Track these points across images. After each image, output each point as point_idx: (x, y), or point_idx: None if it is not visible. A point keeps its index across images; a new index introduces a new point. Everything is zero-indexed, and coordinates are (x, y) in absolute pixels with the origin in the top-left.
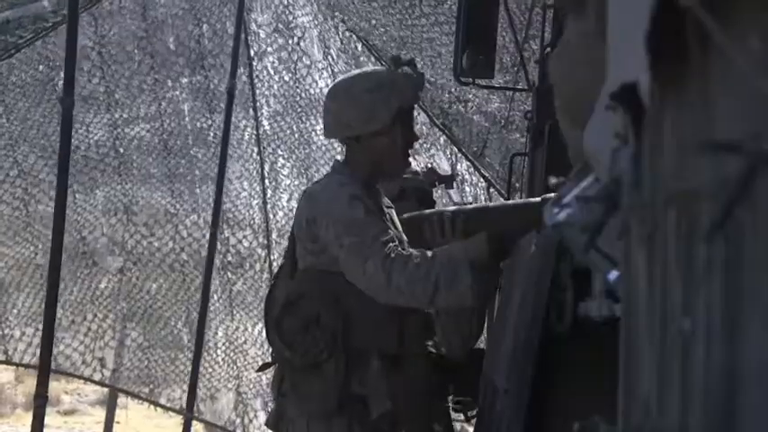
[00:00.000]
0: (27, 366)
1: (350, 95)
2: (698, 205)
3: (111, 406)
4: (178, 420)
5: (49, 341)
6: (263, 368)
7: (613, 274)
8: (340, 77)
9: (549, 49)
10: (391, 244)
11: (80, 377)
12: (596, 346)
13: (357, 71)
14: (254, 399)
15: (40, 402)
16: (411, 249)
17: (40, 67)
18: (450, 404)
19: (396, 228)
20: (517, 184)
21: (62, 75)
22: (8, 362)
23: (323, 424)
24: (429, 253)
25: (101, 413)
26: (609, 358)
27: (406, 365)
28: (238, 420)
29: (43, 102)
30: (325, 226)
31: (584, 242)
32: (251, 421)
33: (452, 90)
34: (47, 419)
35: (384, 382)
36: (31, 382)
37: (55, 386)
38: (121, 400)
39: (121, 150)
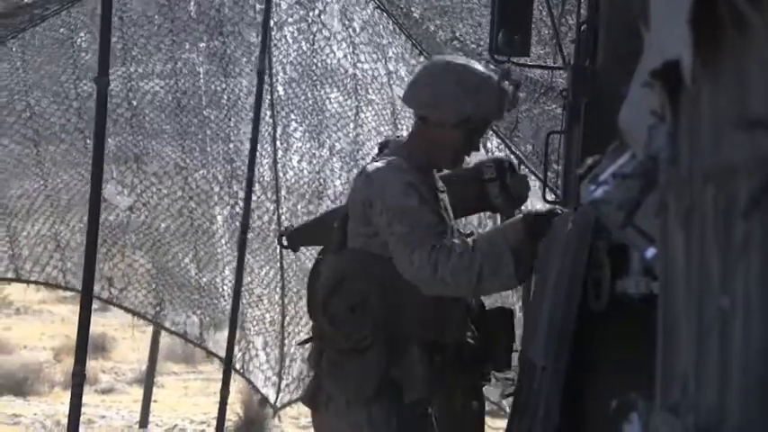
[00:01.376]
0: (36, 283)
1: (442, 77)
2: (735, 182)
3: (148, 385)
4: (214, 399)
5: (86, 320)
6: (304, 342)
7: (650, 252)
8: (446, 57)
9: (584, 26)
10: (441, 234)
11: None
12: (633, 324)
13: (464, 59)
14: (256, 336)
15: (77, 381)
16: (455, 240)
17: (62, 30)
18: (487, 383)
19: (448, 214)
20: (555, 165)
21: (81, 35)
22: (18, 279)
23: (363, 408)
24: (471, 241)
25: (138, 392)
26: (646, 336)
27: (445, 353)
28: (239, 354)
29: (61, 56)
30: (379, 211)
31: (621, 219)
32: (251, 359)
33: (489, 63)
34: (84, 398)
35: (421, 368)
36: (68, 361)
37: (93, 365)
38: (158, 379)
39: (134, 103)
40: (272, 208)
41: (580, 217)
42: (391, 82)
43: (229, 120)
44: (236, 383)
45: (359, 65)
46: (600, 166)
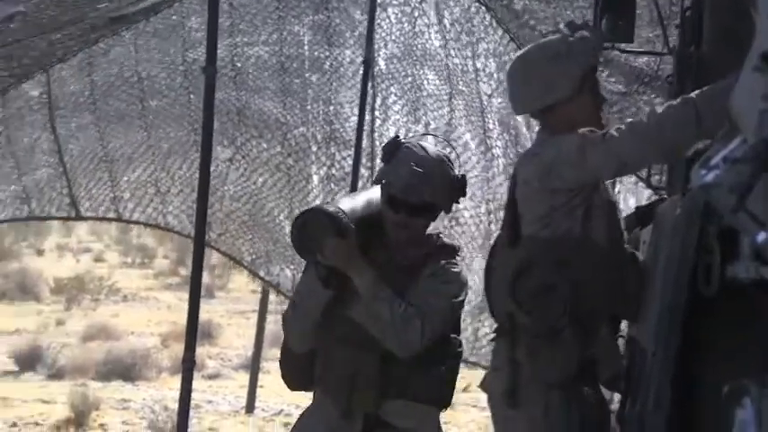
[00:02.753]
0: (136, 223)
1: (529, 69)
2: None
3: (254, 370)
4: None
5: (195, 306)
6: (495, 338)
7: (762, 236)
8: (519, 53)
9: (689, 10)
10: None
11: (187, 236)
12: (745, 309)
13: (533, 45)
14: None
15: (187, 366)
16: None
17: (174, 17)
18: None
19: None
20: None
21: (193, 19)
22: (119, 219)
23: (563, 391)
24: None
25: (244, 377)
26: (758, 320)
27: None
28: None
29: (171, 34)
30: (565, 159)
31: (731, 203)
32: None
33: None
34: (192, 383)
35: (613, 344)
36: (175, 347)
37: (200, 351)
38: (264, 364)
39: (239, 65)
40: (366, 174)
41: (689, 201)
42: (479, 78)
43: (331, 84)
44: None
45: (449, 58)
46: (710, 151)
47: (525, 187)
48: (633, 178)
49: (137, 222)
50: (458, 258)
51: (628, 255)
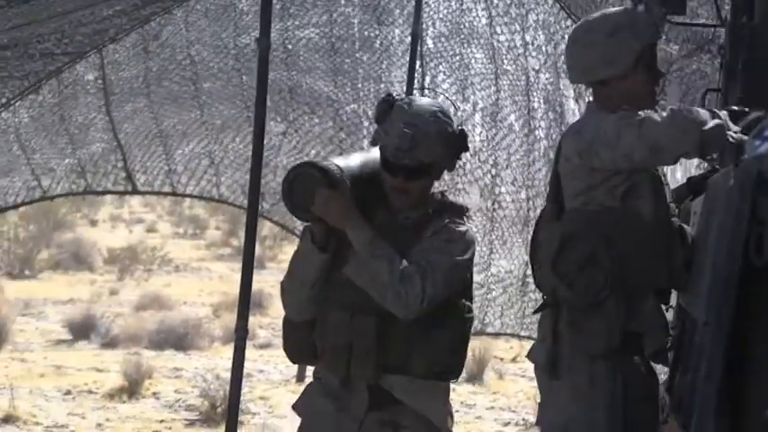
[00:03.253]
0: (191, 196)
1: (590, 40)
2: None
3: None
4: None
5: (248, 275)
6: (539, 310)
7: None
8: (580, 21)
9: None
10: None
11: (239, 206)
12: None
13: (596, 14)
14: None
15: (240, 335)
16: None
17: None
18: None
19: None
20: None
21: (244, 1)
22: (174, 193)
23: (606, 362)
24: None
25: None
26: None
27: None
28: None
29: (222, 17)
30: (602, 139)
31: None
32: None
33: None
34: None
35: (659, 317)
36: (226, 317)
37: (251, 321)
38: None
39: (290, 47)
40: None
41: (742, 172)
42: (527, 53)
43: (381, 63)
44: None
45: (494, 36)
46: (764, 122)
47: (566, 163)
48: None
49: (191, 196)
50: (464, 219)
51: (675, 229)
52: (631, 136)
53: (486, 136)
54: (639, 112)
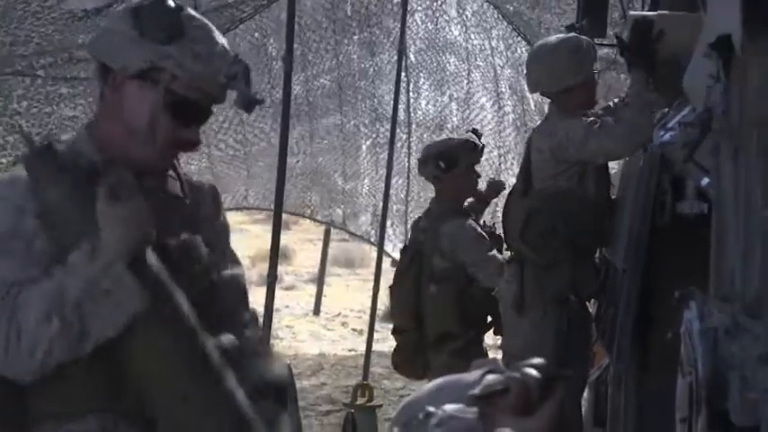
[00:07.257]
0: (260, 209)
1: (558, 57)
2: None
3: (320, 283)
4: (368, 294)
5: (277, 235)
6: (509, 261)
7: (705, 180)
8: (539, 44)
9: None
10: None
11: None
12: (690, 236)
13: (552, 38)
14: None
15: (271, 280)
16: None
17: (256, 34)
18: None
19: None
20: None
21: (272, 41)
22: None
23: (558, 307)
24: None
25: (312, 288)
26: (700, 244)
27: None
28: (373, 232)
29: (256, 62)
30: (571, 142)
31: (683, 156)
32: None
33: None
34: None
35: (594, 270)
36: (261, 266)
37: (279, 269)
38: (327, 279)
39: (311, 99)
40: (404, 137)
41: (649, 156)
42: (494, 54)
43: (373, 83)
44: (387, 281)
45: (469, 41)
46: (666, 118)
47: (538, 155)
48: None
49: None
50: None
51: (611, 202)
52: (596, 142)
53: (462, 116)
54: (600, 120)
